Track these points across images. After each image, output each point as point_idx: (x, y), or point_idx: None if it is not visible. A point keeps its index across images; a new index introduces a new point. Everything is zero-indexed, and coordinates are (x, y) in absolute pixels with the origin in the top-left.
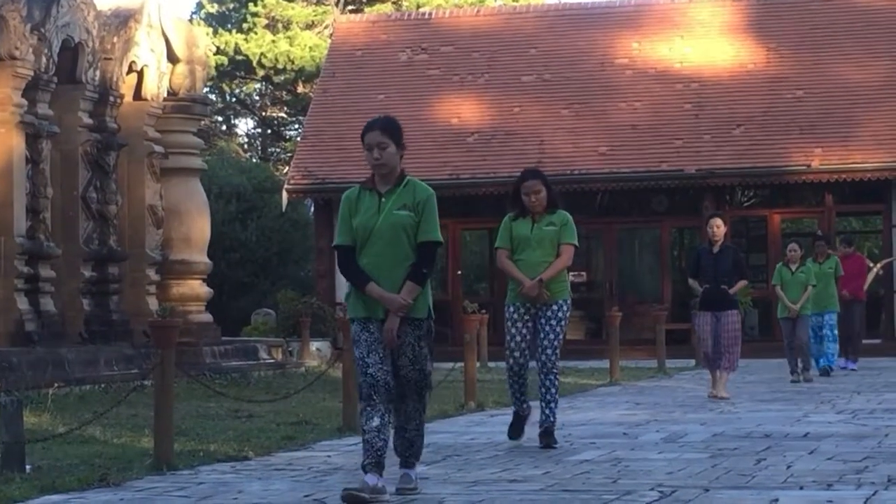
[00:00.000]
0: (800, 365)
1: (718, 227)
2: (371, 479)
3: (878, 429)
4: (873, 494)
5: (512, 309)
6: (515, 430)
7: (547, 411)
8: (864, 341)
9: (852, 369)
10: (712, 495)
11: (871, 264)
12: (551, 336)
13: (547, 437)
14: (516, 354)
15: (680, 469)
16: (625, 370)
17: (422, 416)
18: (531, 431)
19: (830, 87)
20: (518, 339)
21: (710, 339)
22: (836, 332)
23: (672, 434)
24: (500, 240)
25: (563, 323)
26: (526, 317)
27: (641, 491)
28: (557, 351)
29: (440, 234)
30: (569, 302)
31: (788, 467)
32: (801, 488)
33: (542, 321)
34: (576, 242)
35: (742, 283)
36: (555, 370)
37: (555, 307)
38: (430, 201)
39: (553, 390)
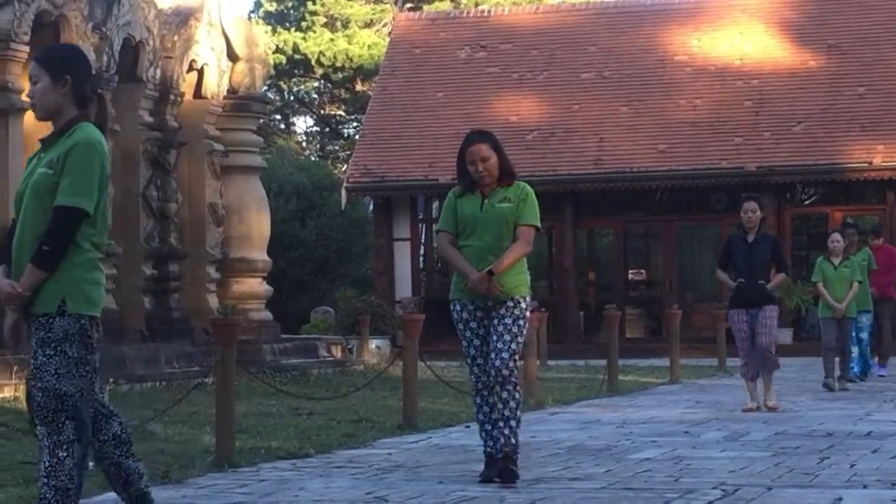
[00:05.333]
0: (837, 371)
1: (754, 213)
2: None
3: None
4: None
5: (459, 307)
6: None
7: (506, 431)
8: None
9: (881, 375)
10: (775, 493)
11: None
12: (506, 338)
13: (506, 464)
14: (479, 362)
15: (742, 468)
16: (685, 368)
17: (60, 457)
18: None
19: (893, 84)
20: (477, 342)
21: (747, 342)
22: (871, 331)
23: (734, 432)
24: (442, 220)
25: (520, 322)
26: (478, 314)
27: (704, 489)
28: (515, 356)
29: (85, 199)
30: (528, 299)
31: (852, 466)
32: (865, 487)
33: (495, 321)
34: (537, 223)
35: (781, 278)
36: (513, 379)
37: (509, 304)
38: (77, 152)
39: (512, 405)
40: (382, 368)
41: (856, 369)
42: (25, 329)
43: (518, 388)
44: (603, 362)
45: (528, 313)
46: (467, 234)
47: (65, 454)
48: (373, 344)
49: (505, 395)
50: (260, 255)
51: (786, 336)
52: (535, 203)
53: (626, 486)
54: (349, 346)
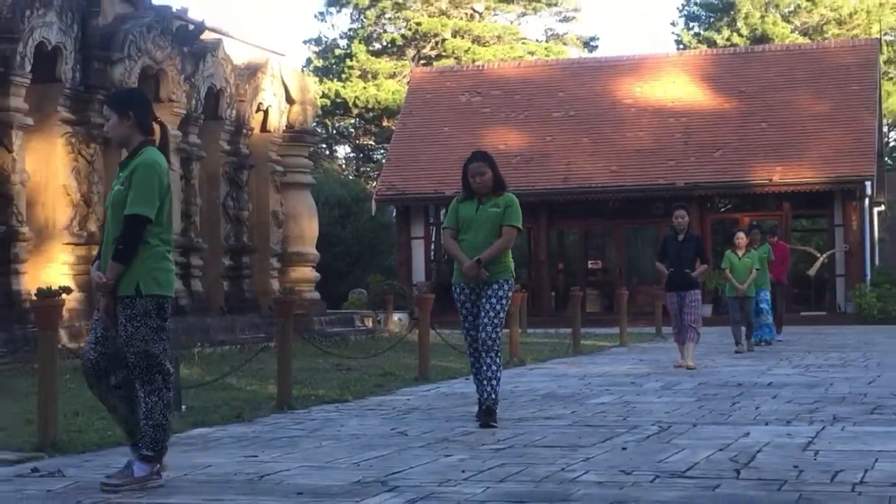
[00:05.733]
0: (744, 337)
1: (683, 218)
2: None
3: (825, 380)
4: (822, 429)
5: (458, 290)
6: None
7: (489, 388)
8: (813, 313)
9: (778, 340)
10: (699, 429)
11: (819, 254)
12: (491, 314)
13: (487, 416)
14: (473, 334)
15: (674, 409)
16: (631, 335)
17: (154, 402)
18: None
19: (787, 120)
20: (470, 318)
21: (677, 316)
22: (770, 306)
23: (668, 383)
24: (447, 219)
25: (503, 301)
26: (472, 296)
27: (645, 426)
28: (498, 329)
29: (146, 207)
30: (510, 282)
31: (757, 408)
32: (767, 424)
33: (483, 300)
34: (518, 224)
35: (704, 268)
36: (495, 347)
37: (495, 286)
38: (139, 171)
39: (494, 367)
40: (403, 335)
41: (757, 334)
42: (115, 308)
43: (499, 354)
44: (569, 330)
45: (510, 294)
46: (465, 231)
47: (157, 399)
48: (395, 317)
49: (489, 359)
50: (310, 249)
51: (706, 311)
52: (519, 209)
53: (586, 424)
54: (378, 318)
